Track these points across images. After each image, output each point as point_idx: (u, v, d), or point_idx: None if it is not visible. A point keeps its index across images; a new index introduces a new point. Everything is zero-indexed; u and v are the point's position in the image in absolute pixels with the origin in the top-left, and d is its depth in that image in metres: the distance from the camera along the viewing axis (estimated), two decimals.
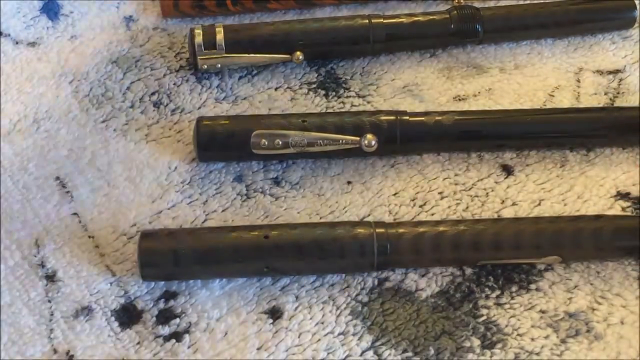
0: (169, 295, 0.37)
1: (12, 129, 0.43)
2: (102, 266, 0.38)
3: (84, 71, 0.46)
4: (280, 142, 0.40)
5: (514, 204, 0.40)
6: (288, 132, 0.40)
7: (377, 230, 0.36)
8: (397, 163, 0.42)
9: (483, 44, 0.48)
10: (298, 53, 0.46)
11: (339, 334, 0.35)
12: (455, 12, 0.47)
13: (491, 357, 0.35)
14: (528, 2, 0.50)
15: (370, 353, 0.35)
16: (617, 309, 0.36)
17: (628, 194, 0.40)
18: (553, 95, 0.45)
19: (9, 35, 0.47)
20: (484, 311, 0.36)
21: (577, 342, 0.35)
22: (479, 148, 0.42)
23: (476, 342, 0.35)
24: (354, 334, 0.35)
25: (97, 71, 0.46)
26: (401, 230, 0.37)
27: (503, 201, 0.40)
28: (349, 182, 0.41)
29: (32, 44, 0.47)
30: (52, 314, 0.36)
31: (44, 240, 0.39)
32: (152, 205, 0.40)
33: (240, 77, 0.46)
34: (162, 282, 0.37)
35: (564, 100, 0.45)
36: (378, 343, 0.35)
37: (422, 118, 0.41)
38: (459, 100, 0.45)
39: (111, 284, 0.37)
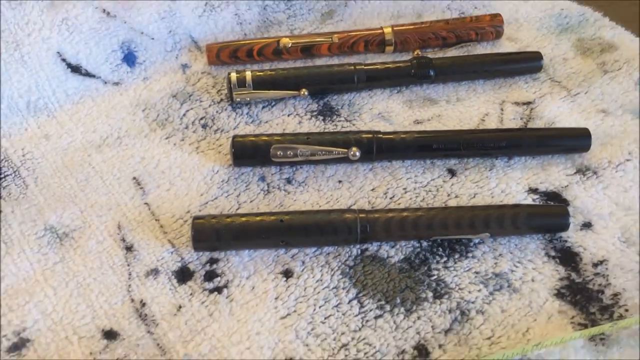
0: (212, 261, 0.37)
1: (102, 143, 0.43)
2: (165, 240, 0.38)
3: (152, 102, 0.46)
4: (291, 153, 0.40)
5: (456, 196, 0.40)
6: (297, 145, 0.40)
7: (360, 215, 0.36)
8: (374, 168, 0.42)
9: (435, 83, 0.48)
10: (304, 90, 0.46)
11: (333, 288, 0.35)
12: (415, 61, 0.47)
13: (440, 304, 0.35)
14: (467, 54, 0.50)
15: (355, 302, 0.35)
16: (529, 270, 0.36)
17: (537, 189, 0.40)
18: (484, 120, 0.45)
19: (100, 77, 0.47)
20: (435, 272, 0.36)
21: (500, 294, 0.35)
22: (432, 157, 0.42)
23: (430, 294, 0.35)
24: (343, 288, 0.35)
25: (162, 102, 0.46)
26: (377, 215, 0.37)
27: (449, 195, 0.40)
28: (339, 181, 0.41)
29: (116, 84, 0.47)
30: (130, 274, 0.36)
31: (124, 223, 0.39)
32: (201, 198, 0.40)
33: (263, 107, 0.46)
34: (208, 252, 0.37)
35: (492, 123, 0.45)
36: (360, 295, 0.35)
37: (392, 136, 0.41)
38: (418, 123, 0.45)
39: (172, 253, 0.37)
